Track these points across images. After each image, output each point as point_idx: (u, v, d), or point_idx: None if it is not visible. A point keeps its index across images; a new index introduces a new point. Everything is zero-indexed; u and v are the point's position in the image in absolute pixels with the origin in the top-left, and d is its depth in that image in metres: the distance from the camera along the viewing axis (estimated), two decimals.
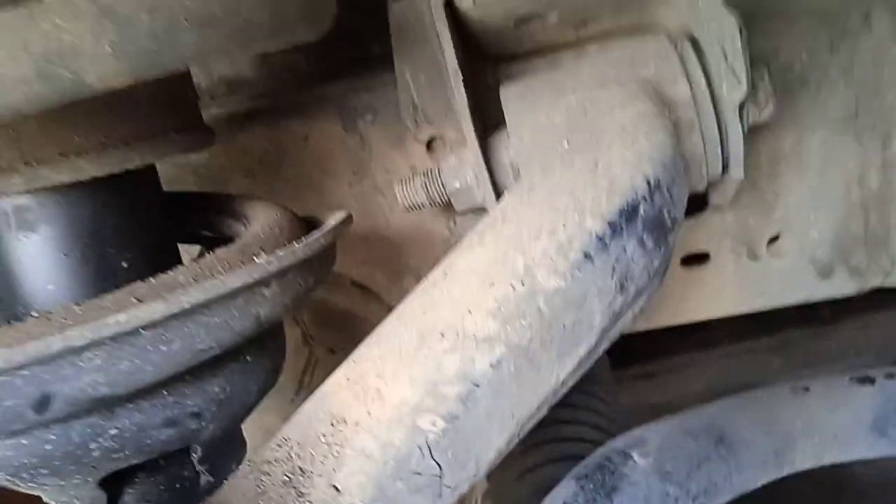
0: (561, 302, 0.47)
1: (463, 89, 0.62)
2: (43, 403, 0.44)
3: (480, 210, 0.72)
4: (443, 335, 0.48)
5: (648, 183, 0.49)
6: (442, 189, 0.69)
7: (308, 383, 0.87)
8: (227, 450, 0.60)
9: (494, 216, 0.52)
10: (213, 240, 0.69)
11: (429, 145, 0.76)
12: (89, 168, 0.50)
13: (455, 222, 0.79)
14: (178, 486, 0.57)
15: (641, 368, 1.58)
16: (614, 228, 0.48)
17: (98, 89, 0.40)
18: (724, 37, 0.55)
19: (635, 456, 0.63)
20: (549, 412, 0.52)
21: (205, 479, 0.57)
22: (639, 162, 0.50)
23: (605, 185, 0.48)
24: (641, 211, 0.48)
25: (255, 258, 0.49)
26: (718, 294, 0.79)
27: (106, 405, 0.48)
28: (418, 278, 0.84)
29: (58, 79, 0.39)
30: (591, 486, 0.61)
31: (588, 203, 0.48)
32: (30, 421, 0.44)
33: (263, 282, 0.48)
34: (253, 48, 0.44)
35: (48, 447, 0.49)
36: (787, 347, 1.44)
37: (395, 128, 0.78)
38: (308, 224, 0.63)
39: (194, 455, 0.56)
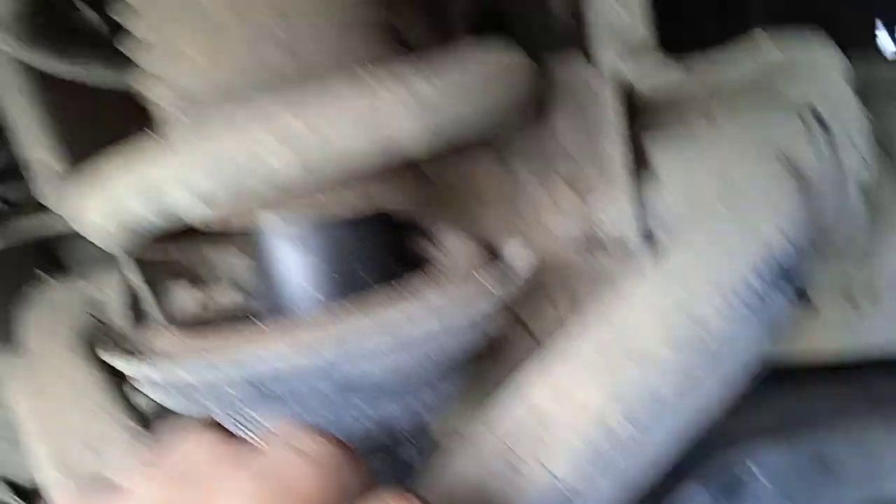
0: (723, 340, 0.60)
1: (623, 148, 0.75)
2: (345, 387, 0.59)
3: (622, 247, 0.85)
4: (624, 355, 0.60)
5: (791, 243, 0.62)
6: (590, 227, 0.83)
7: None
8: (433, 437, 0.75)
9: (661, 267, 0.65)
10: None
11: (575, 186, 0.89)
12: (360, 206, 0.65)
13: (594, 257, 0.92)
14: (399, 463, 0.70)
15: None
16: (767, 282, 0.61)
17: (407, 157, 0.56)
18: (850, 119, 0.67)
19: (753, 467, 0.76)
20: None
21: (418, 459, 0.71)
22: (783, 224, 0.63)
23: (757, 244, 0.62)
24: (787, 267, 0.62)
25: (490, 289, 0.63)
26: (819, 339, 0.86)
27: (373, 394, 0.62)
28: (554, 305, 0.96)
29: (383, 147, 0.54)
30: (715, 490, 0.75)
31: (745, 259, 0.61)
32: (332, 403, 0.59)
33: (497, 305, 0.63)
34: None
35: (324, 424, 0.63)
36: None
37: (544, 168, 0.91)
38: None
39: (415, 439, 0.70)
